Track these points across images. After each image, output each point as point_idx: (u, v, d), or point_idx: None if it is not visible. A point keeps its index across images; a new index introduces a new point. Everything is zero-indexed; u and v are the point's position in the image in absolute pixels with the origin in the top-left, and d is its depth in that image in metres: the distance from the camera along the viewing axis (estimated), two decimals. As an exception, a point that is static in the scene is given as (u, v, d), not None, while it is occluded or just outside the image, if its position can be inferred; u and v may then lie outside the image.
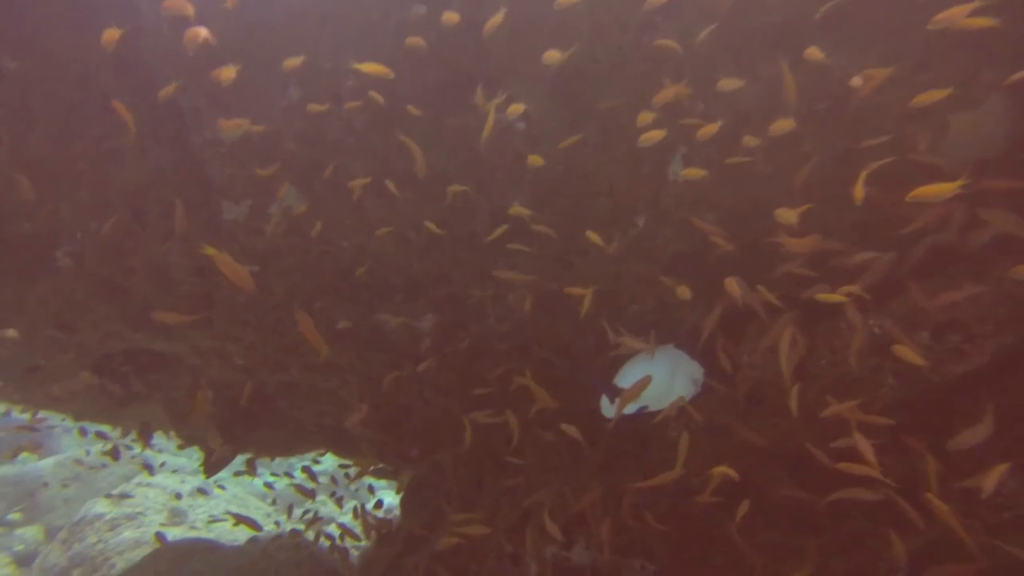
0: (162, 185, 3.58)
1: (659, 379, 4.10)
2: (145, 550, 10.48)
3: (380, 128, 3.50)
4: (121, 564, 10.48)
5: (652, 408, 4.15)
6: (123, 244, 3.61)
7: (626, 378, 4.15)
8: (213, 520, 11.09)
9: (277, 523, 8.17)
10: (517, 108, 3.25)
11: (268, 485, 9.56)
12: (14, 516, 12.82)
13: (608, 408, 4.19)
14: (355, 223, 3.83)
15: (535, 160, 3.29)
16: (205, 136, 3.46)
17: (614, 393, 4.10)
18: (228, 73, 3.13)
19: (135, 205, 3.53)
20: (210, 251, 2.87)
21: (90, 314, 4.06)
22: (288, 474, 7.24)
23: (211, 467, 5.46)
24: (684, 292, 3.51)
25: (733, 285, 3.29)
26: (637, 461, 4.76)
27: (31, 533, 12.27)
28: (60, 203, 3.44)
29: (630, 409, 4.10)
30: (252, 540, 8.67)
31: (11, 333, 4.43)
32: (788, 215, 3.09)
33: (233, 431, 5.44)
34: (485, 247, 3.97)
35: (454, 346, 4.24)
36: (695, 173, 3.26)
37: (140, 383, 5.20)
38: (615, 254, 3.81)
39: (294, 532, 8.25)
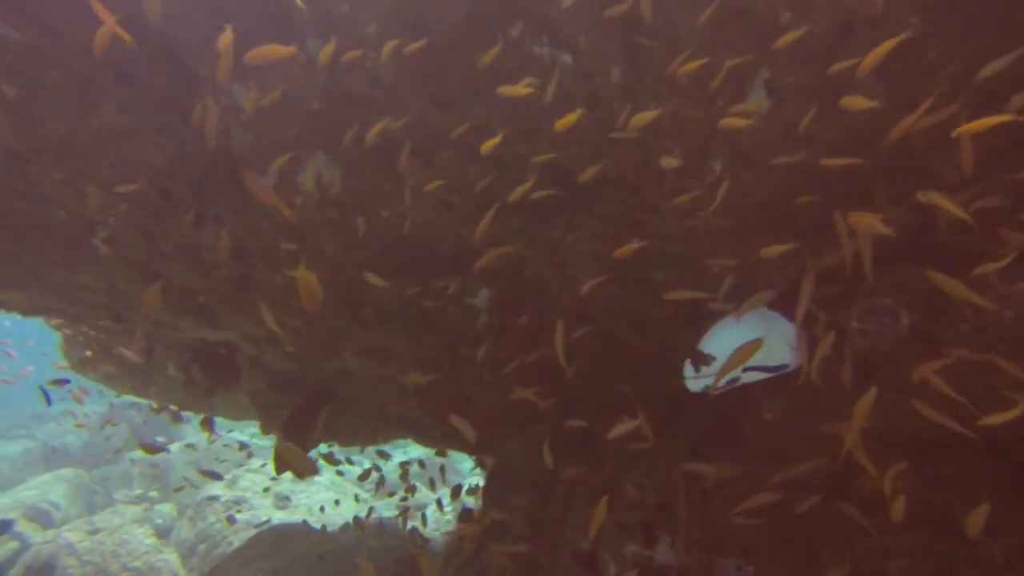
0: (187, 162, 3.32)
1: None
2: (252, 531, 11.07)
3: (410, 78, 3.09)
4: (236, 542, 11.26)
5: (745, 381, 3.57)
6: (152, 228, 3.40)
7: (712, 344, 3.59)
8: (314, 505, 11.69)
9: (371, 509, 8.31)
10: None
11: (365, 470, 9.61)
12: (153, 494, 14.05)
13: (693, 380, 3.64)
14: (393, 189, 3.46)
15: (567, 121, 2.78)
16: (224, 103, 3.17)
17: (699, 362, 3.55)
18: (226, 39, 2.78)
19: (161, 184, 3.30)
20: (300, 272, 2.67)
21: (135, 302, 3.90)
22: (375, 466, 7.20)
23: (281, 465, 5.29)
24: (771, 251, 2.93)
25: (844, 224, 2.68)
26: (728, 446, 4.18)
27: (167, 509, 13.47)
28: (84, 184, 3.25)
29: (720, 382, 3.55)
30: (346, 526, 8.86)
31: (131, 355, 4.38)
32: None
33: (297, 426, 5.27)
34: (539, 208, 3.51)
35: (513, 323, 3.81)
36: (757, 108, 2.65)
37: (202, 375, 5.09)
38: (689, 206, 3.26)
39: (387, 518, 8.29)
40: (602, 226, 3.53)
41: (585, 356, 4.02)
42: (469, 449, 4.18)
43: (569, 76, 2.90)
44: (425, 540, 7.98)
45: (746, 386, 3.65)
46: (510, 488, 5.48)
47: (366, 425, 5.86)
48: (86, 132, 3.08)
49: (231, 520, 10.73)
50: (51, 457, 17.89)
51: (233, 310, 3.87)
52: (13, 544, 12.47)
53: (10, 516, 13.19)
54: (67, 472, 15.62)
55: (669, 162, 2.94)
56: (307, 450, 5.28)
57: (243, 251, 3.65)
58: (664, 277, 3.67)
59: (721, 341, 3.59)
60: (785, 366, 3.58)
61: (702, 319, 3.94)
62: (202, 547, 12.09)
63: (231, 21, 2.98)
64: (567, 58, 2.85)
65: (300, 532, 9.25)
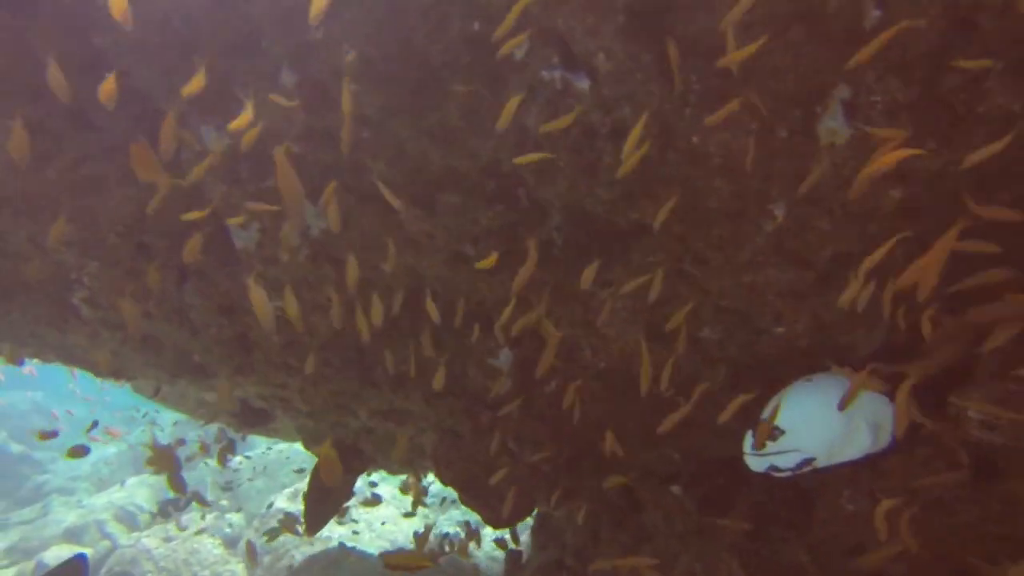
0: (162, 213, 2.93)
1: (830, 421, 2.84)
2: (313, 548, 11.11)
3: (400, 112, 2.59)
4: (298, 557, 11.46)
5: (821, 464, 2.90)
6: (128, 287, 3.03)
7: (781, 412, 2.92)
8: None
9: (431, 524, 8.00)
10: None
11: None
12: (224, 502, 14.46)
13: (754, 457, 2.97)
14: (396, 239, 2.97)
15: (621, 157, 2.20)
16: (192, 147, 2.75)
17: (763, 435, 2.89)
18: (197, 83, 2.33)
19: (134, 239, 2.92)
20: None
21: (131, 364, 3.57)
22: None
23: (313, 525, 4.90)
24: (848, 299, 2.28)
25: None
26: (797, 531, 3.50)
27: (236, 518, 13.66)
28: (40, 237, 2.90)
29: (787, 463, 2.89)
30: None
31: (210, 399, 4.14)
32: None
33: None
34: (566, 259, 2.95)
35: (540, 388, 3.26)
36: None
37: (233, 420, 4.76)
38: (747, 259, 2.63)
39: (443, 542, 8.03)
40: (642, 281, 2.93)
41: (627, 421, 3.42)
42: (499, 524, 3.66)
43: (589, 104, 2.32)
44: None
45: (820, 471, 2.97)
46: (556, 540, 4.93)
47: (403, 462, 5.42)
48: (42, 184, 2.73)
49: (295, 532, 10.71)
50: (139, 460, 18.52)
51: (231, 371, 3.48)
52: (105, 543, 13.02)
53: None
54: (149, 477, 16.23)
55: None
56: (333, 509, 4.88)
57: (233, 309, 3.24)
58: (715, 336, 3.04)
59: (791, 410, 2.92)
60: (870, 450, 2.88)
61: (764, 380, 3.28)
62: (267, 559, 12.34)
63: (197, 51, 2.56)
64: (584, 84, 2.28)
65: (357, 556, 9.04)
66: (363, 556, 8.77)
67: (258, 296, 2.57)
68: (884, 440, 2.92)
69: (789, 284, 2.66)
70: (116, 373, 3.82)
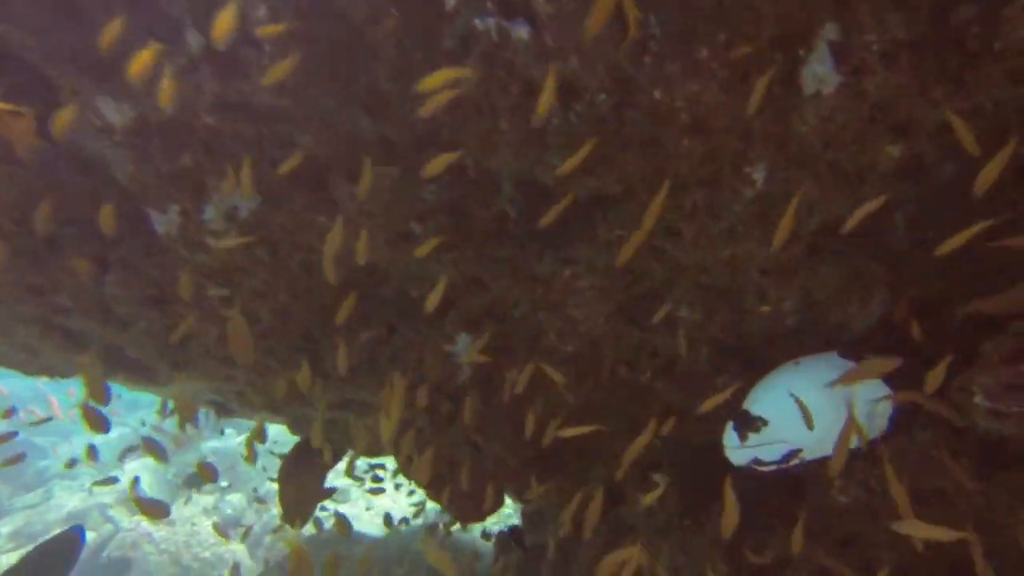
0: (68, 196, 2.60)
1: (818, 409, 2.55)
2: (308, 530, 11.11)
3: (321, 77, 2.24)
4: (269, 539, 11.57)
5: (809, 455, 2.62)
6: (36, 280, 2.72)
7: (762, 402, 2.63)
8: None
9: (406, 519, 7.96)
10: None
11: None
12: (224, 483, 14.57)
13: (736, 450, 2.68)
14: (330, 221, 2.64)
15: (549, 90, 1.85)
16: (93, 121, 2.41)
17: (745, 428, 2.60)
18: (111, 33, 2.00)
19: (32, 226, 2.59)
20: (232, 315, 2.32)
21: (55, 361, 3.27)
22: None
23: (295, 521, 4.64)
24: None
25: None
26: (786, 521, 3.24)
27: (236, 499, 13.70)
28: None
29: (771, 455, 2.61)
30: (392, 531, 8.63)
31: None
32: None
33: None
34: (522, 235, 2.62)
35: (500, 375, 2.96)
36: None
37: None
38: (725, 230, 2.30)
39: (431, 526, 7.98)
40: (608, 258, 2.61)
41: (601, 408, 3.14)
42: (467, 519, 3.40)
43: (529, 56, 1.97)
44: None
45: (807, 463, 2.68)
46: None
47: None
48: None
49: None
50: (140, 444, 18.47)
51: (169, 366, 3.19)
52: (108, 527, 13.08)
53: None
54: (150, 461, 16.20)
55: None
56: (312, 503, 4.64)
57: (164, 300, 2.93)
58: (695, 316, 2.73)
59: (775, 398, 2.62)
60: (870, 439, 2.60)
61: (750, 362, 2.98)
62: (268, 538, 12.45)
63: (78, 8, 2.21)
64: (523, 32, 1.92)
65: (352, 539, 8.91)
66: (364, 536, 8.68)
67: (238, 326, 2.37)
68: (880, 427, 2.63)
69: (773, 258, 2.34)
70: (47, 371, 3.53)
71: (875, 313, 2.65)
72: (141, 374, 3.33)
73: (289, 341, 3.10)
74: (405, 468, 3.29)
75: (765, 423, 2.56)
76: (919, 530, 1.86)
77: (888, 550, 2.80)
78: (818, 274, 2.35)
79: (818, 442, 2.59)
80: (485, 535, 7.15)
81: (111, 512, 13.79)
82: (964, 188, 2.11)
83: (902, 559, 2.80)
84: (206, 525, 11.86)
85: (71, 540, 4.16)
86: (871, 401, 2.59)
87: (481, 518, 3.29)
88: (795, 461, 2.61)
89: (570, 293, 2.73)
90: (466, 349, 2.98)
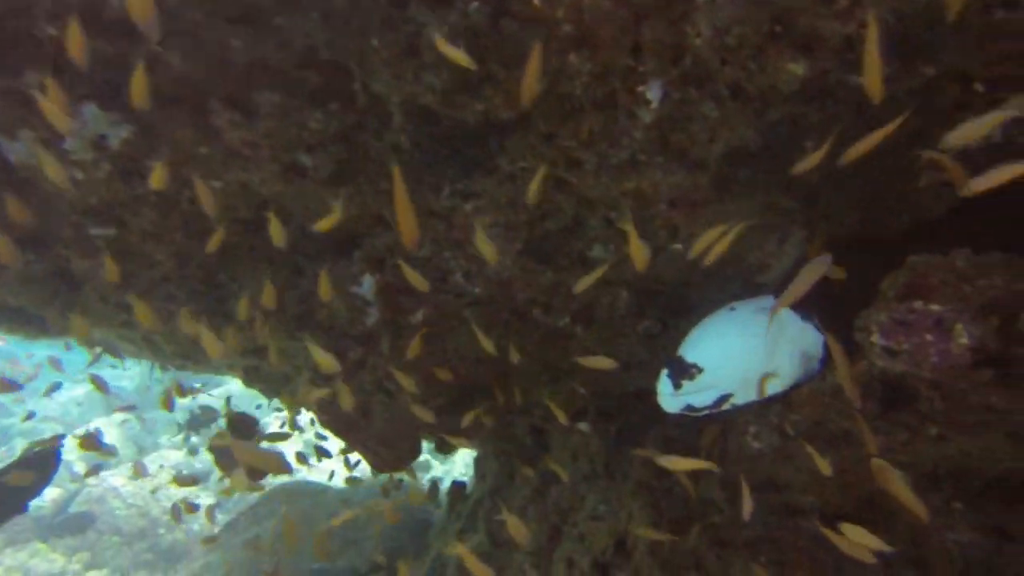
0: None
1: (751, 354, 2.45)
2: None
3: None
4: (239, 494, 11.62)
5: (740, 400, 2.52)
6: None
7: (697, 347, 2.51)
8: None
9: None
10: None
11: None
12: (195, 439, 14.56)
13: (670, 397, 2.57)
14: (217, 152, 2.43)
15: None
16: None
17: (680, 373, 2.49)
18: None
19: None
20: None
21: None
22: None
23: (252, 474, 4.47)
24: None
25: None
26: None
27: (208, 455, 13.91)
28: None
29: (703, 400, 2.51)
30: (355, 486, 8.63)
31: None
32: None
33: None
34: (416, 167, 2.43)
35: (406, 318, 2.81)
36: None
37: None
38: (626, 159, 2.13)
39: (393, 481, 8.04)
40: (512, 191, 2.44)
41: (519, 353, 3.01)
42: (383, 467, 3.30)
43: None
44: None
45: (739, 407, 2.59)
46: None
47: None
48: None
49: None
50: (110, 401, 18.25)
51: (56, 313, 2.99)
52: (74, 484, 13.01)
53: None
54: (119, 416, 16.07)
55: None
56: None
57: (41, 240, 2.73)
58: (607, 255, 2.58)
59: (709, 344, 2.51)
60: (797, 381, 2.50)
61: (671, 307, 2.86)
62: (237, 493, 12.49)
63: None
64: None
65: (314, 490, 8.91)
66: (320, 490, 8.66)
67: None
68: (812, 369, 2.54)
69: (680, 189, 2.18)
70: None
71: (791, 254, 2.52)
72: (27, 324, 3.14)
73: (190, 285, 2.92)
74: (319, 416, 3.16)
75: (700, 370, 2.45)
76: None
77: (803, 493, 2.75)
78: (728, 207, 2.20)
79: (745, 387, 2.50)
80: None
81: (76, 468, 13.72)
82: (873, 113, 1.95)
83: (821, 500, 2.76)
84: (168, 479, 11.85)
85: (49, 453, 4.32)
86: (804, 347, 2.50)
87: (397, 467, 3.19)
88: (726, 406, 2.52)
89: (473, 230, 2.56)
90: (370, 290, 2.81)
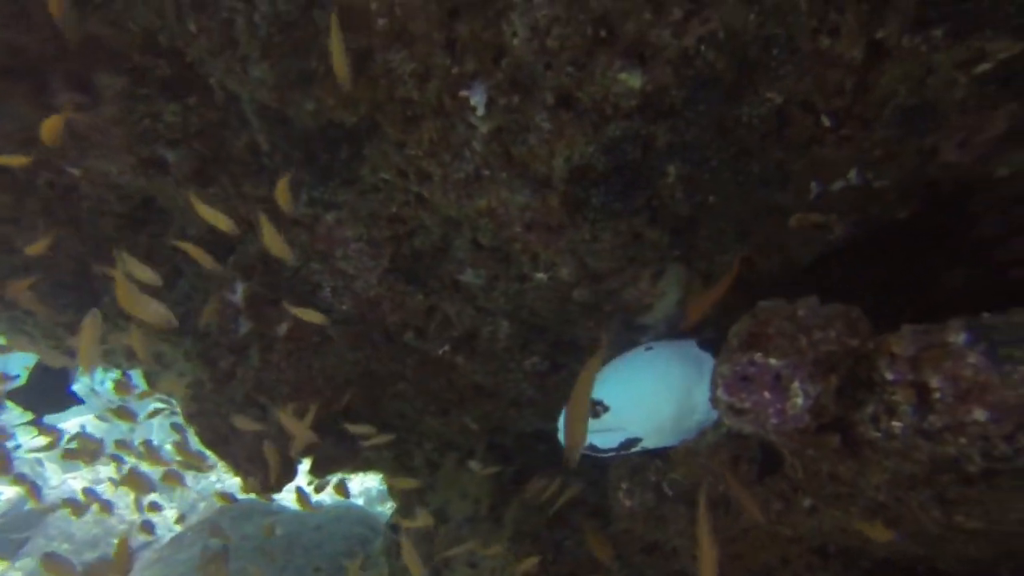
0: None
1: (664, 398, 2.23)
2: (215, 502, 10.90)
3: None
4: (204, 506, 11.37)
5: (651, 444, 2.31)
6: None
7: (605, 385, 2.31)
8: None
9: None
10: None
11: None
12: (168, 447, 14.38)
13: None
14: (65, 136, 2.32)
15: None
16: None
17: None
18: None
19: None
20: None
21: None
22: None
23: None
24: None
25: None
26: (603, 520, 2.92)
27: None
28: None
29: (608, 442, 2.31)
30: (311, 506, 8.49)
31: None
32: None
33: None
34: (276, 171, 2.30)
35: (272, 330, 2.65)
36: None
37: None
38: (471, 172, 1.96)
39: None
40: (375, 204, 2.29)
41: (393, 377, 2.82)
42: (259, 490, 3.10)
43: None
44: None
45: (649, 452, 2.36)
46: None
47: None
48: None
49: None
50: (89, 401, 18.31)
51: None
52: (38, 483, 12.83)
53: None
54: (91, 419, 16.01)
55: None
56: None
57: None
58: (478, 280, 2.39)
59: (618, 383, 2.30)
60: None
61: (558, 343, 2.66)
62: (202, 504, 12.32)
63: None
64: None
65: (264, 510, 8.69)
66: (269, 510, 8.44)
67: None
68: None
69: (532, 211, 2.00)
70: None
71: (672, 294, 2.31)
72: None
73: (58, 276, 2.80)
74: (190, 424, 2.99)
75: (605, 408, 2.25)
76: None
77: (695, 561, 2.50)
78: (584, 234, 2.01)
79: (658, 432, 2.29)
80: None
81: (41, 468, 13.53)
82: (733, 136, 1.77)
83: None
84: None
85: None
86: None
87: (269, 488, 2.99)
88: (635, 449, 2.30)
89: (337, 243, 2.40)
90: (240, 298, 2.66)
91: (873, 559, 2.27)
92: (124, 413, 3.95)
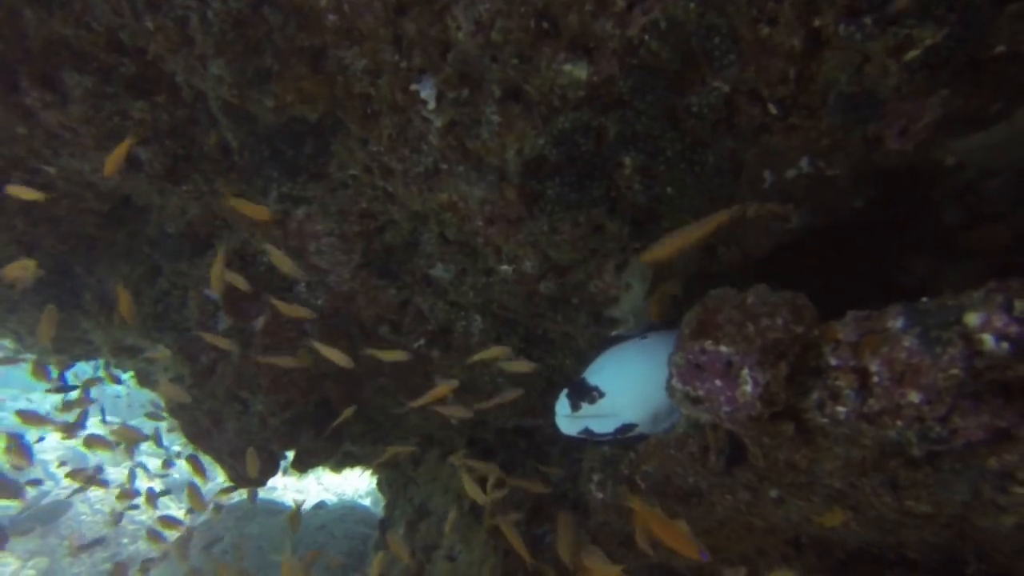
0: None
1: (657, 382, 2.26)
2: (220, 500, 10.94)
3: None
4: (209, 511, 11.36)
5: (646, 430, 2.34)
6: None
7: (601, 372, 2.34)
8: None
9: None
10: None
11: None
12: (176, 448, 14.37)
13: (567, 418, 2.40)
14: (37, 134, 2.37)
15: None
16: None
17: (580, 394, 2.33)
18: None
19: None
20: None
21: None
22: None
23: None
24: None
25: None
26: (584, 513, 2.93)
27: (185, 464, 13.80)
28: None
29: (604, 428, 2.34)
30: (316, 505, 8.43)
31: None
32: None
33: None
34: (247, 168, 2.33)
35: (249, 325, 2.68)
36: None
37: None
38: (430, 166, 1.98)
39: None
40: (344, 199, 2.31)
41: (371, 371, 2.85)
42: (242, 483, 3.14)
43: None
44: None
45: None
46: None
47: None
48: None
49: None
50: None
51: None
52: (48, 484, 12.98)
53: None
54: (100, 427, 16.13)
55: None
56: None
57: None
58: (447, 275, 2.41)
59: (614, 370, 2.34)
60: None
61: (532, 336, 2.68)
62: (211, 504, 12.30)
63: None
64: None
65: (266, 510, 8.80)
66: (272, 510, 8.54)
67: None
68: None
69: (491, 205, 2.02)
70: None
71: (638, 287, 2.32)
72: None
73: (45, 277, 2.85)
74: (174, 419, 3.03)
75: (601, 394, 2.30)
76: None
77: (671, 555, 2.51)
78: (542, 225, 2.02)
79: (654, 419, 2.33)
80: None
81: (53, 469, 13.63)
82: (685, 127, 1.78)
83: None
84: (145, 487, 11.73)
85: None
86: None
87: (253, 482, 3.02)
88: (631, 435, 2.34)
89: (308, 238, 2.43)
90: (219, 296, 2.70)
91: (846, 550, 2.27)
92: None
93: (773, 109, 1.60)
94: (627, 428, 2.30)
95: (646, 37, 1.57)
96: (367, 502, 11.57)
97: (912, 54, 1.29)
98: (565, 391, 2.35)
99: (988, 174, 1.77)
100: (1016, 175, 1.71)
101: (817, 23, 1.42)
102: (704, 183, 1.90)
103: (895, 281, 2.24)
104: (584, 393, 2.31)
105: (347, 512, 8.69)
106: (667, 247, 1.72)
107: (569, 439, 3.39)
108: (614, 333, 2.47)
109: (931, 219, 2.06)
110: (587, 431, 2.35)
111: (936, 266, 2.15)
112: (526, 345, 2.69)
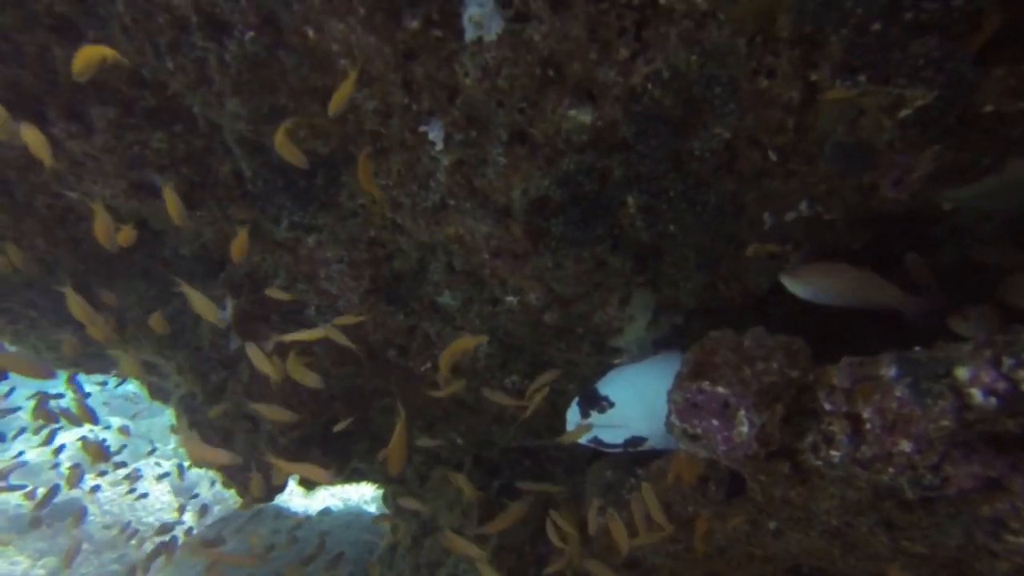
0: None
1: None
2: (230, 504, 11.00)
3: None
4: (218, 509, 11.42)
5: (657, 445, 2.39)
6: None
7: (613, 383, 2.41)
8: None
9: None
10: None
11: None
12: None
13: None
14: (62, 162, 2.44)
15: None
16: None
17: (590, 403, 2.40)
18: None
19: None
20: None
21: None
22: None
23: None
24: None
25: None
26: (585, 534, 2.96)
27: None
28: None
29: (613, 438, 2.41)
30: (322, 512, 8.50)
31: None
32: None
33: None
34: (260, 197, 2.39)
35: (260, 346, 2.74)
36: None
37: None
38: (438, 202, 2.03)
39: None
40: (354, 228, 2.37)
41: (379, 393, 2.90)
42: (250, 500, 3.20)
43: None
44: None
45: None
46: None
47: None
48: None
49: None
50: (110, 403, 18.61)
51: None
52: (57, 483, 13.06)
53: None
54: (117, 419, 16.28)
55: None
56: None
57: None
58: (454, 302, 2.47)
59: (627, 383, 2.40)
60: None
61: (537, 363, 2.72)
62: (217, 508, 12.39)
63: None
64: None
65: (274, 514, 8.83)
66: (279, 514, 8.57)
67: None
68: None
69: (497, 240, 2.06)
70: None
71: (641, 318, 2.36)
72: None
73: (55, 294, 2.92)
74: (182, 435, 3.10)
75: (611, 404, 2.36)
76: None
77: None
78: (547, 261, 2.07)
79: (663, 432, 2.39)
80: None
81: (63, 469, 13.70)
82: (688, 169, 1.82)
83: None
84: (156, 490, 11.80)
85: None
86: None
87: (262, 497, 3.08)
88: (642, 447, 2.40)
89: (319, 264, 2.49)
90: (229, 315, 2.76)
91: (845, 580, 2.28)
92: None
93: (773, 155, 1.64)
94: (637, 441, 2.36)
95: (649, 85, 1.61)
96: (372, 508, 11.63)
97: (904, 113, 1.32)
98: (576, 399, 2.42)
99: (983, 217, 1.80)
100: (1009, 219, 1.74)
101: (814, 77, 1.46)
102: (706, 223, 1.94)
103: (893, 315, 2.26)
104: (594, 402, 2.38)
105: (352, 519, 8.72)
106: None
107: (573, 460, 3.42)
108: (617, 362, 2.51)
109: (929, 257, 2.08)
110: (596, 440, 2.42)
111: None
112: (532, 370, 2.73)
